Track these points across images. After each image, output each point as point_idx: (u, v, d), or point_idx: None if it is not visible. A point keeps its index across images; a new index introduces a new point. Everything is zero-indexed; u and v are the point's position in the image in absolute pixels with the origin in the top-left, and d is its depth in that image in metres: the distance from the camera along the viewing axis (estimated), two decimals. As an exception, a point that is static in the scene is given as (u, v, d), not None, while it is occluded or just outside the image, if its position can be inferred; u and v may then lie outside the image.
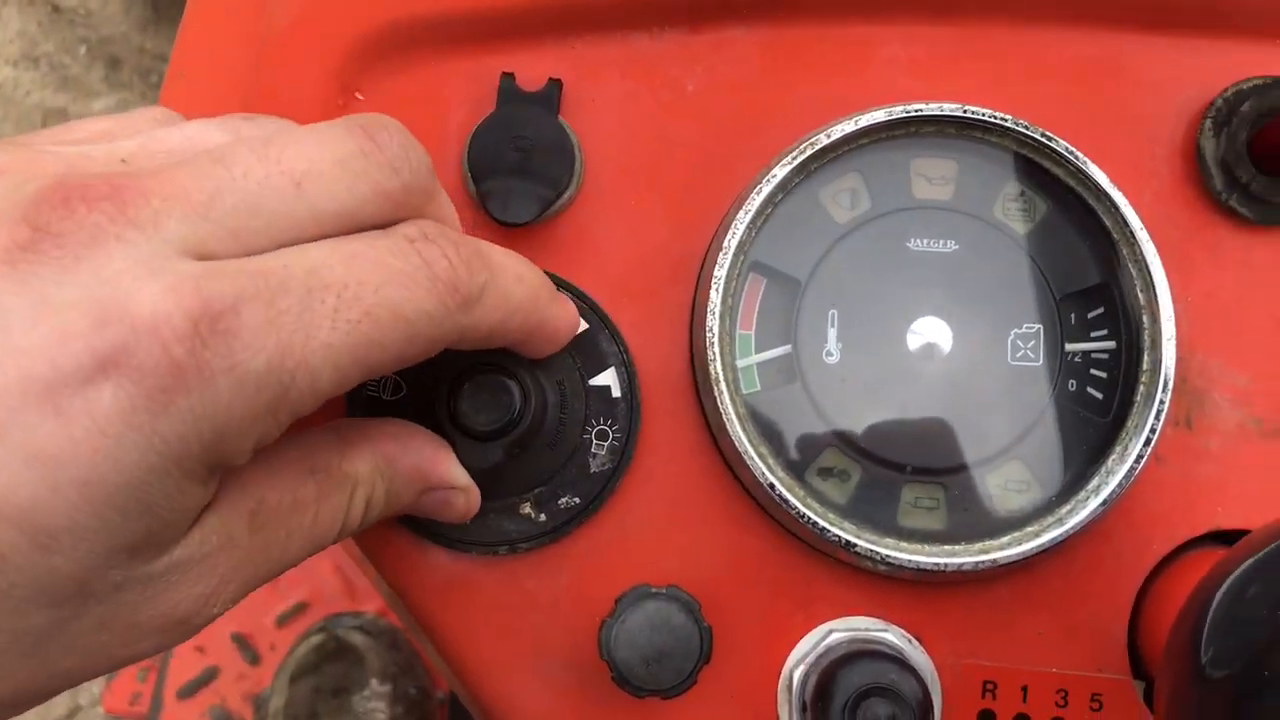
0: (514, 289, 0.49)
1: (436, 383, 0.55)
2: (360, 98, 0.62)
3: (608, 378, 0.59)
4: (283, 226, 0.42)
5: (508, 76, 0.61)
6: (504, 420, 0.53)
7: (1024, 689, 0.59)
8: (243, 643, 1.58)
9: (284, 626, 1.58)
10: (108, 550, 0.38)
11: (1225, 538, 0.60)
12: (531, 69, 0.61)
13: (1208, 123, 0.61)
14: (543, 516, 0.59)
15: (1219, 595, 0.46)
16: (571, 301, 0.57)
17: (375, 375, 0.44)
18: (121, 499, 0.38)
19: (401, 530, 0.59)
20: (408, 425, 0.53)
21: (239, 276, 0.39)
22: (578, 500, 0.59)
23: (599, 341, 0.60)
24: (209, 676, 1.57)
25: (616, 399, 0.59)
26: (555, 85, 0.61)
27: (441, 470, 0.53)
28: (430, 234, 0.45)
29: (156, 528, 0.39)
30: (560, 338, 0.55)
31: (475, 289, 0.46)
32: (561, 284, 0.60)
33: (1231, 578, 0.46)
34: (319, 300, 0.40)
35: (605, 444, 0.59)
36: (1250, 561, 0.45)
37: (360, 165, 0.44)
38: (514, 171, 0.59)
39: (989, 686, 0.59)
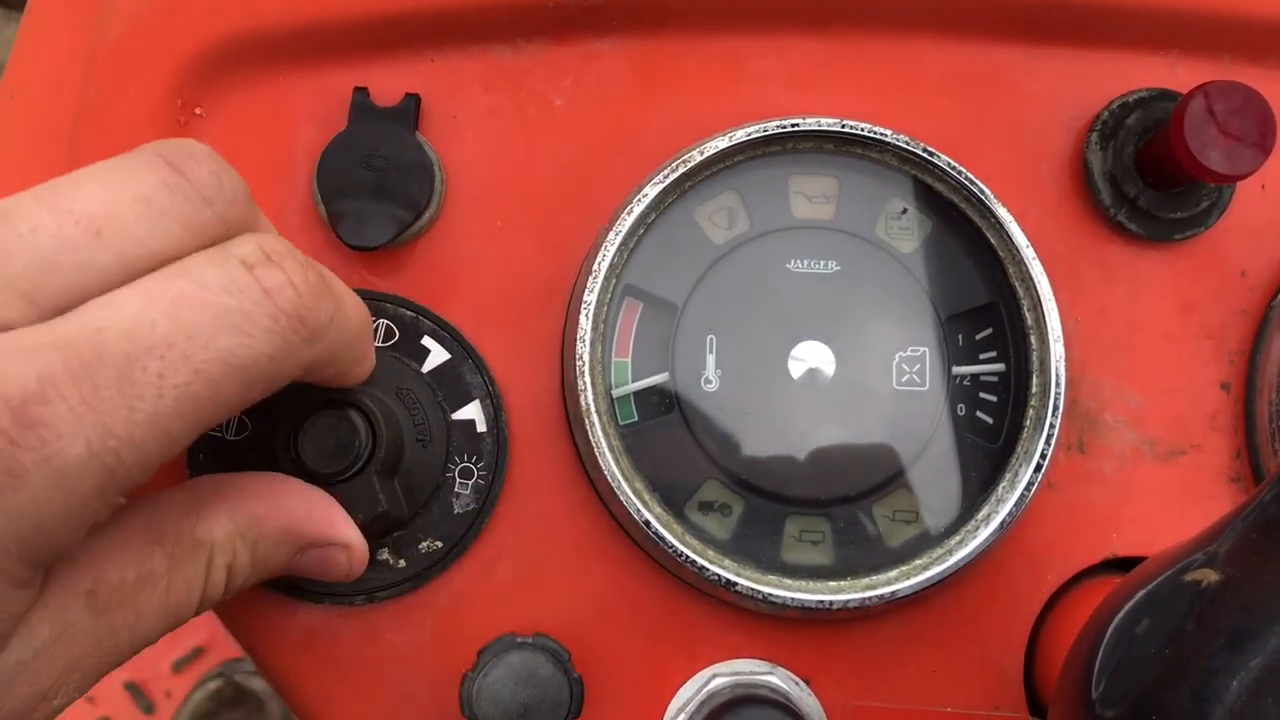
0: (354, 317, 0.45)
1: (282, 418, 0.50)
2: (201, 114, 0.57)
3: (472, 411, 0.56)
4: (87, 281, 0.37)
5: (360, 91, 0.57)
6: (348, 462, 0.49)
7: (918, 731, 0.56)
8: (136, 691, 1.50)
9: (180, 672, 1.51)
10: None
11: (1122, 564, 0.57)
12: (386, 83, 0.57)
13: (1094, 136, 0.59)
14: (402, 563, 0.54)
15: (1109, 631, 0.43)
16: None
17: (212, 427, 0.40)
18: None
19: (249, 581, 0.54)
20: (275, 479, 0.48)
21: (42, 353, 0.34)
22: (440, 544, 0.55)
23: (462, 373, 0.56)
24: (100, 728, 1.49)
25: (482, 434, 0.55)
26: (412, 100, 0.57)
27: (319, 528, 0.47)
28: (273, 252, 0.40)
29: None
30: (369, 368, 0.50)
31: (324, 318, 0.41)
32: (421, 312, 0.56)
33: (1121, 613, 0.43)
34: (140, 368, 0.36)
35: (470, 483, 0.55)
36: (1140, 595, 0.43)
37: (165, 201, 0.39)
38: (368, 192, 0.55)
39: (882, 730, 0.56)
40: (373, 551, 0.54)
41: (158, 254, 0.39)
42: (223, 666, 1.51)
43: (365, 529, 0.49)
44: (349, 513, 0.48)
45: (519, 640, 0.51)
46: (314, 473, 0.49)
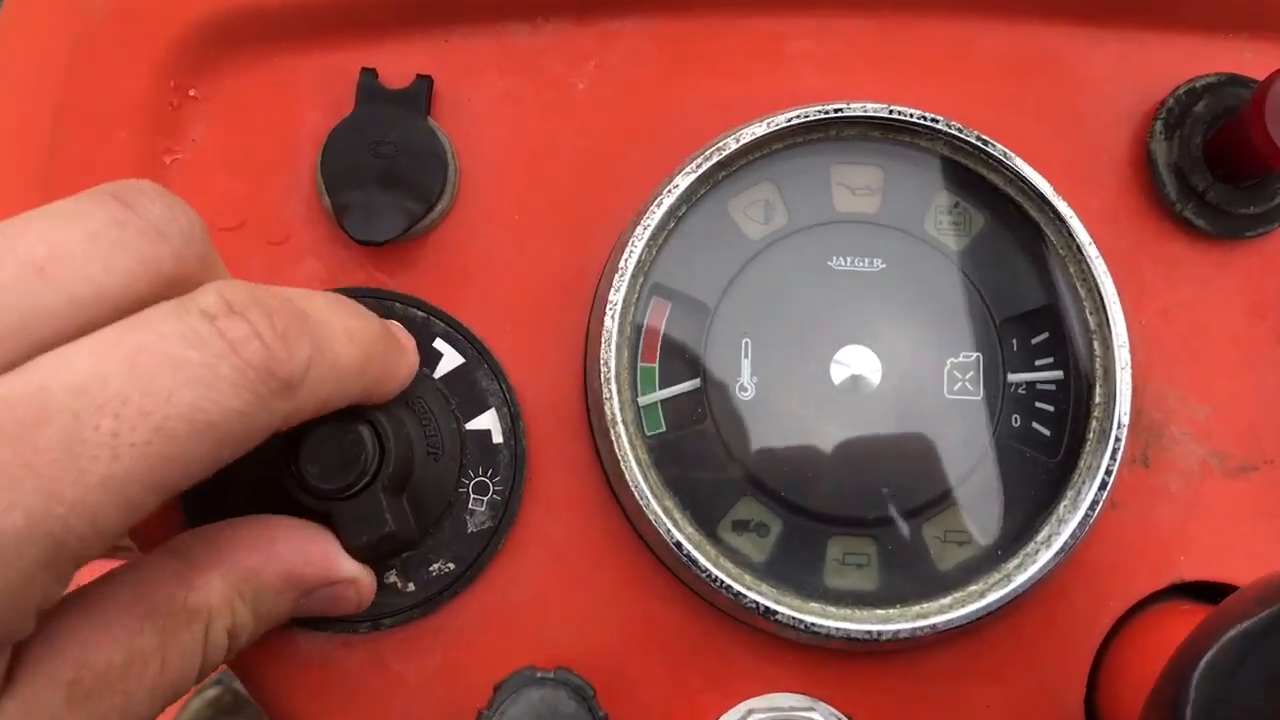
0: (345, 352, 0.41)
1: (273, 439, 0.46)
2: (195, 96, 0.53)
3: (487, 420, 0.51)
4: (34, 326, 0.34)
5: (368, 72, 0.53)
6: (353, 477, 0.44)
7: (971, 770, 0.51)
8: (129, 701, 1.46)
9: (174, 682, 1.47)
10: None
11: (1190, 590, 0.53)
12: (396, 64, 0.53)
13: (1158, 125, 0.54)
14: (411, 586, 0.50)
15: (1199, 671, 0.39)
16: (411, 340, 0.48)
17: (182, 490, 0.35)
18: None
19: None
20: (267, 523, 0.44)
21: None
22: (452, 566, 0.50)
23: (477, 379, 0.51)
24: (91, 740, 1.45)
25: (498, 445, 0.51)
26: (424, 82, 0.53)
27: (320, 568, 0.44)
28: (236, 302, 0.36)
29: None
30: (400, 386, 0.46)
31: (298, 368, 0.37)
32: (433, 313, 0.52)
33: (1214, 650, 0.39)
34: (90, 427, 0.32)
35: (485, 499, 0.50)
36: (1239, 629, 0.38)
37: (115, 235, 0.35)
38: (376, 182, 0.51)
39: (931, 769, 0.51)
40: (378, 575, 0.49)
41: (109, 293, 0.35)
42: (220, 674, 1.47)
43: (370, 550, 0.45)
44: (353, 532, 0.44)
45: (539, 675, 0.47)
46: (316, 489, 0.44)
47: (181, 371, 0.34)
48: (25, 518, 0.31)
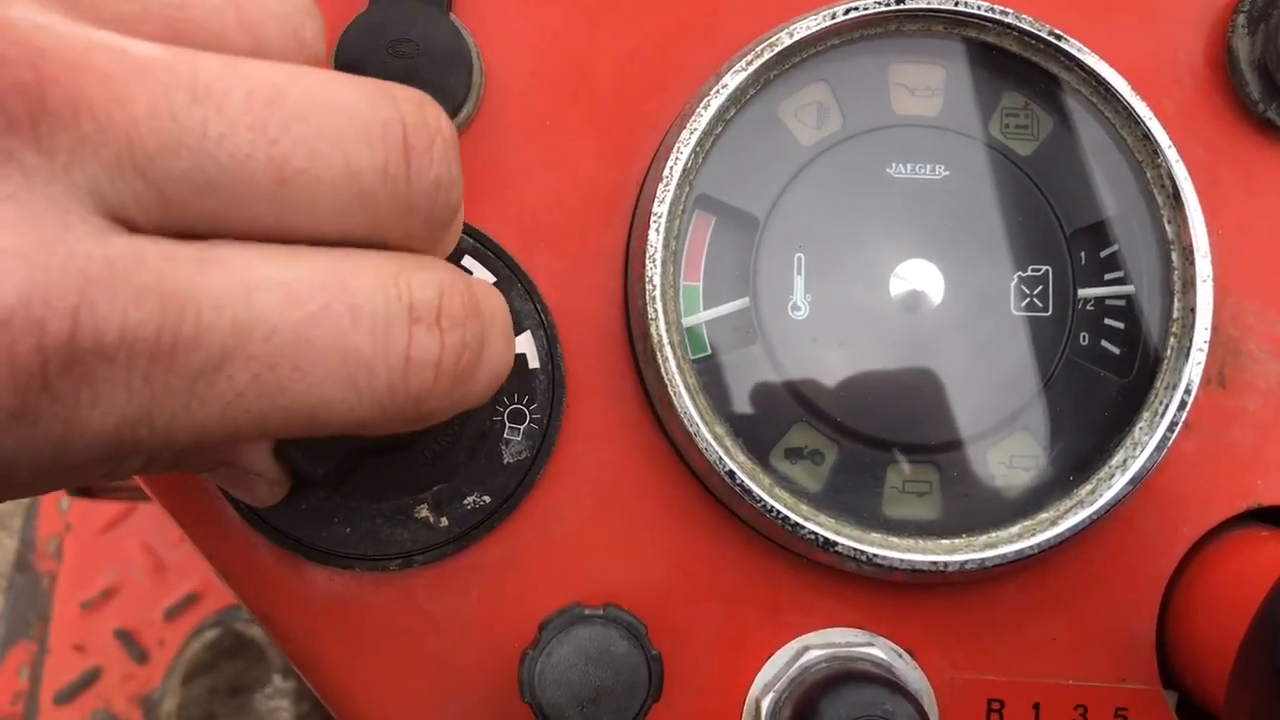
0: (504, 355, 0.37)
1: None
2: (193, -8, 0.48)
3: (522, 344, 0.47)
4: (237, 221, 0.30)
5: (384, -36, 0.48)
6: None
7: (1036, 706, 0.49)
8: (127, 639, 1.44)
9: (172, 620, 1.45)
10: None
11: (1268, 515, 0.50)
12: (414, -46, 0.48)
13: (1240, 18, 0.50)
14: (444, 521, 0.47)
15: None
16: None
17: None
18: None
19: (264, 543, 0.46)
20: None
21: (143, 299, 0.28)
22: (488, 499, 0.47)
23: (510, 299, 0.48)
24: (90, 678, 1.43)
25: (534, 371, 0.47)
26: (445, -25, 0.48)
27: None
28: (449, 313, 0.33)
29: None
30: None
31: (441, 410, 0.34)
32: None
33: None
34: (226, 376, 0.30)
35: (521, 427, 0.47)
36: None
37: (374, 187, 0.32)
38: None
39: (995, 705, 0.49)
40: (408, 509, 0.46)
41: (323, 234, 0.32)
42: (220, 615, 1.45)
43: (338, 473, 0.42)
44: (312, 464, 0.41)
45: (587, 612, 0.44)
46: None
47: (344, 366, 0.31)
48: (114, 428, 0.29)
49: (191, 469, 0.40)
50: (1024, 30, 0.48)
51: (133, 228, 0.29)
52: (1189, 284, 0.48)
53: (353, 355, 0.31)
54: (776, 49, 0.47)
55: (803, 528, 0.46)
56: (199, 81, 0.29)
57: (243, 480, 0.41)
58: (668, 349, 0.46)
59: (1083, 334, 0.49)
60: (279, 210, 0.31)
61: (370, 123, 0.32)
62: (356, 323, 0.31)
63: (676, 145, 0.47)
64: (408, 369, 0.32)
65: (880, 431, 0.48)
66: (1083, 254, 0.49)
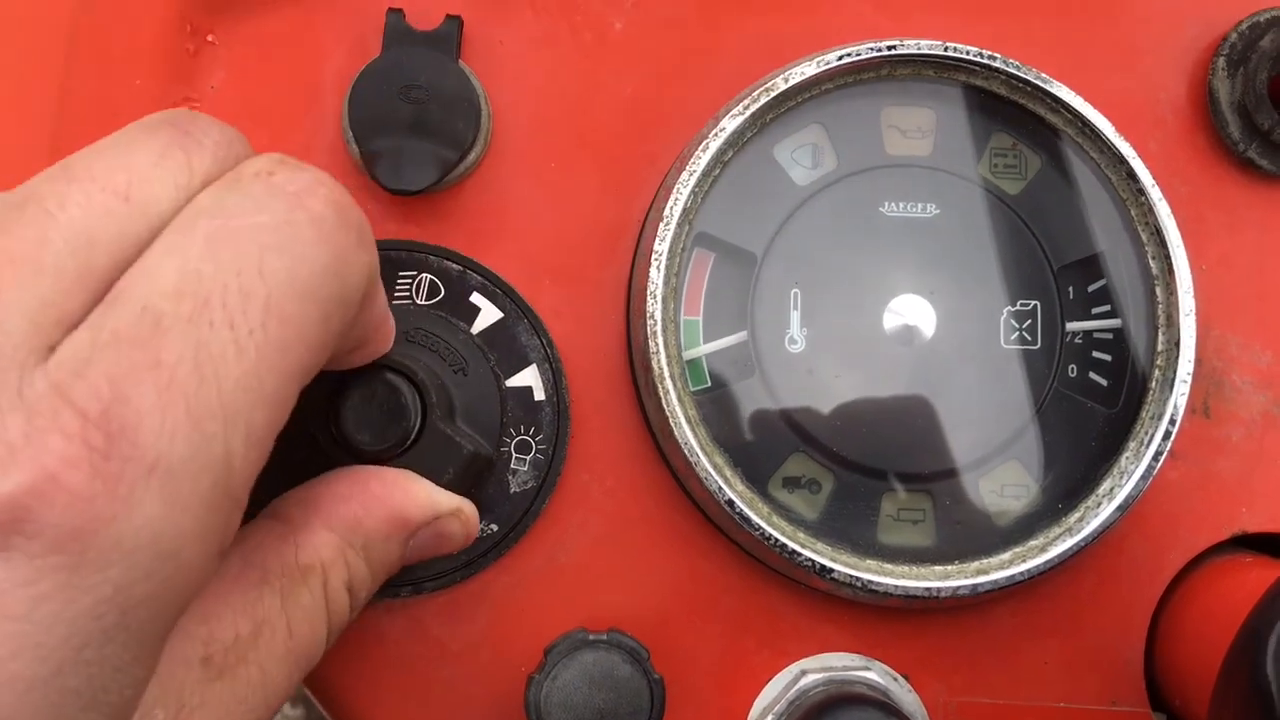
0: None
1: (312, 397, 0.43)
2: (213, 41, 0.50)
3: (528, 377, 0.49)
4: (126, 253, 0.32)
5: (395, 13, 0.50)
6: (399, 436, 0.42)
7: (1028, 729, 0.50)
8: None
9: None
10: None
11: (1252, 542, 0.52)
12: (424, 4, 0.50)
13: (1220, 61, 0.52)
14: (453, 549, 0.48)
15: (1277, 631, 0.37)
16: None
17: (311, 375, 0.34)
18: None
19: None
20: (356, 473, 0.42)
21: (96, 353, 0.29)
22: (495, 527, 0.48)
23: (516, 334, 0.49)
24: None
25: (540, 403, 0.49)
26: (454, 23, 0.50)
27: (420, 504, 0.42)
28: (287, 159, 0.35)
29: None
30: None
31: (362, 217, 0.36)
32: (469, 265, 0.50)
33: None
34: (206, 324, 0.30)
35: (527, 458, 0.49)
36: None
37: (181, 156, 0.34)
38: (406, 129, 0.48)
39: (988, 728, 0.50)
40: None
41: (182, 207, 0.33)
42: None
43: (461, 483, 0.44)
44: (436, 472, 0.43)
45: (591, 637, 0.45)
46: (376, 453, 0.42)
47: (261, 237, 0.32)
48: (187, 442, 0.29)
49: (394, 567, 0.43)
50: (1011, 74, 0.50)
51: (79, 320, 0.30)
52: (1173, 318, 0.49)
53: (259, 229, 0.32)
54: (772, 93, 0.49)
55: (800, 555, 0.47)
56: (13, 195, 0.32)
57: (434, 536, 0.43)
58: (668, 381, 0.48)
59: (1071, 366, 0.51)
60: (143, 218, 0.32)
61: (143, 128, 0.35)
62: (235, 214, 0.32)
63: (676, 186, 0.48)
64: (302, 200, 0.33)
65: (875, 461, 0.50)
66: (1070, 289, 0.51)
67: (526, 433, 0.49)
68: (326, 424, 0.42)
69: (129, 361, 0.29)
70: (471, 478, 0.45)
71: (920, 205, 0.51)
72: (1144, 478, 0.48)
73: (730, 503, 0.47)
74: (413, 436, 0.43)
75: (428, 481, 0.43)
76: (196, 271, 0.30)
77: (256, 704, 0.36)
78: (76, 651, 0.28)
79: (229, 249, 0.31)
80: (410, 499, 0.42)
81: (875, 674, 0.49)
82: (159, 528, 0.28)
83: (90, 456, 0.28)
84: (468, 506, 0.44)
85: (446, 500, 0.43)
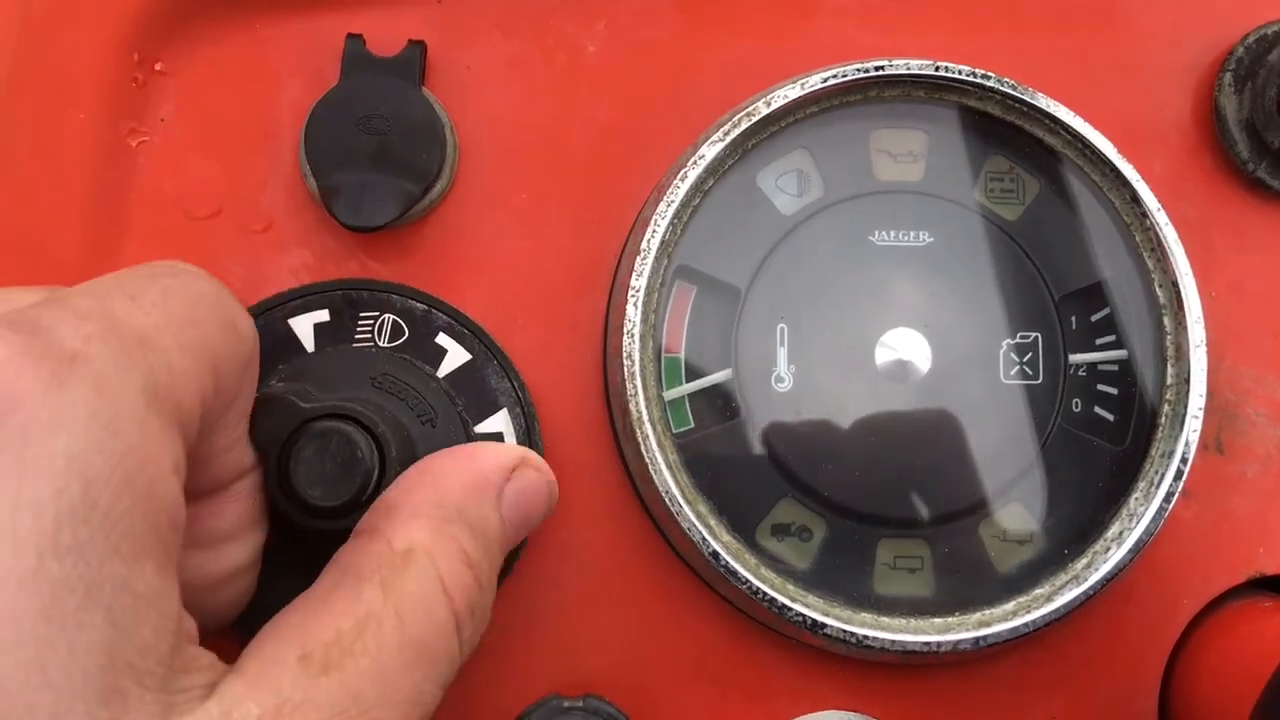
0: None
1: (266, 441, 0.41)
2: (162, 70, 0.48)
3: (499, 422, 0.46)
4: None
5: (354, 39, 0.48)
6: (353, 493, 0.39)
7: (1037, 788, 0.47)
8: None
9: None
10: None
11: (1270, 584, 0.49)
12: (385, 29, 0.48)
13: (1227, 77, 0.50)
14: (420, 607, 0.45)
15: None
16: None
17: None
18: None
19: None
20: (416, 466, 0.41)
21: None
22: (465, 584, 0.45)
23: (485, 377, 0.47)
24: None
25: (511, 450, 0.46)
26: (416, 48, 0.48)
27: (489, 463, 0.41)
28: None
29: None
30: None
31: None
32: (435, 304, 0.47)
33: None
34: None
35: (499, 509, 0.46)
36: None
37: None
38: (367, 161, 0.46)
39: (994, 788, 0.47)
40: None
41: None
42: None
43: None
44: None
45: (566, 704, 0.42)
46: (333, 508, 0.39)
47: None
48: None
49: (498, 534, 0.41)
50: (1007, 94, 0.47)
51: None
52: (1183, 350, 0.47)
53: None
54: (754, 118, 0.46)
55: (790, 609, 0.44)
56: None
57: (522, 490, 0.41)
58: (647, 425, 0.45)
59: (1075, 400, 0.48)
60: None
61: None
62: None
63: (654, 218, 0.46)
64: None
65: (869, 506, 0.47)
66: (1073, 319, 0.48)
67: (498, 482, 0.46)
68: (279, 484, 0.39)
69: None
70: None
71: (912, 233, 0.48)
72: (1155, 519, 0.45)
73: (715, 554, 0.44)
74: (370, 490, 0.40)
75: (483, 441, 0.41)
76: None
77: (374, 699, 0.33)
78: (52, 538, 0.27)
79: None
80: (477, 461, 0.41)
81: (872, 734, 0.46)
82: (95, 404, 0.29)
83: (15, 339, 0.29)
84: (530, 454, 0.42)
85: (509, 452, 0.42)
